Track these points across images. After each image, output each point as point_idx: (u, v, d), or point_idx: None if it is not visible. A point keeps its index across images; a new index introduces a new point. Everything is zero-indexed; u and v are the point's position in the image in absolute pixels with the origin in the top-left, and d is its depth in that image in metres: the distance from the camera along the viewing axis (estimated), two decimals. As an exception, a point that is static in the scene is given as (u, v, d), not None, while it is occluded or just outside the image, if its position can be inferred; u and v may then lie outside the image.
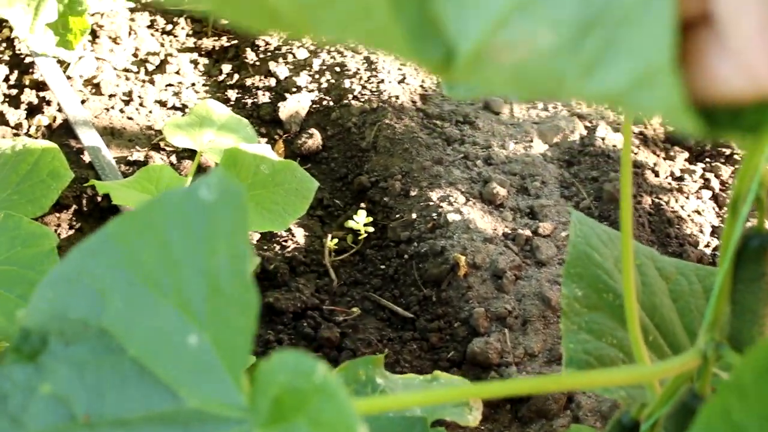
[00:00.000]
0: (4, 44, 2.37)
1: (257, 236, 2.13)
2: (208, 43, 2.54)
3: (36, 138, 2.22)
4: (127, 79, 2.41)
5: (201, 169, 2.17)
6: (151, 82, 2.42)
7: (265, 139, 2.32)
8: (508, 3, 0.41)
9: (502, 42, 0.42)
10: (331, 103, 2.39)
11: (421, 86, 2.42)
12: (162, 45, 2.52)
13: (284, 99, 2.38)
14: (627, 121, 0.77)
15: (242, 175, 1.89)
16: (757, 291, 0.73)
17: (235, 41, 2.55)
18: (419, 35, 0.44)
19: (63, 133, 2.26)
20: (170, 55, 2.49)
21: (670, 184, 2.31)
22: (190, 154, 2.15)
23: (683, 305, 0.98)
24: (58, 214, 2.10)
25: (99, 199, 2.11)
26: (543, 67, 0.42)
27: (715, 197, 2.31)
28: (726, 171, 2.36)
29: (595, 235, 0.99)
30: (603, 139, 2.34)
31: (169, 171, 1.91)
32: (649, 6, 0.37)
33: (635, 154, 2.35)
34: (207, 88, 2.45)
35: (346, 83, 2.39)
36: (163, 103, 2.39)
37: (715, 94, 0.37)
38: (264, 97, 2.40)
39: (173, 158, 2.24)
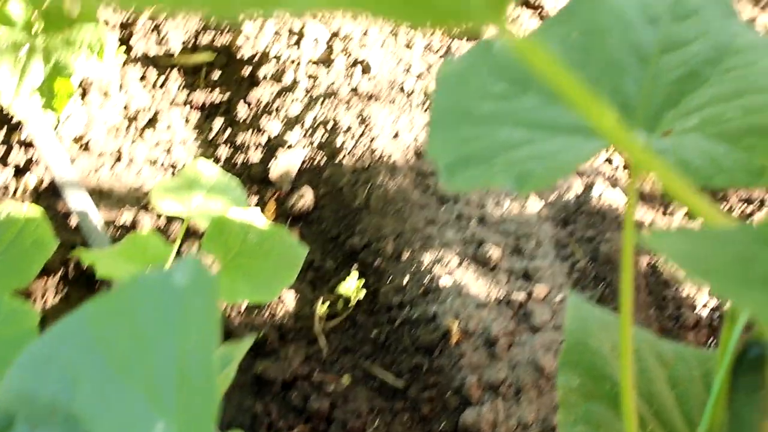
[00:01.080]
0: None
1: (246, 302, 2.10)
2: (199, 96, 2.51)
3: (23, 201, 2.19)
4: (117, 136, 2.39)
5: (190, 233, 2.14)
6: (141, 138, 2.40)
7: (256, 198, 2.30)
8: None
9: None
10: (324, 161, 2.36)
11: (415, 141, 2.39)
12: (153, 98, 2.49)
13: (276, 156, 2.36)
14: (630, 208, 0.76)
15: (230, 244, 1.87)
16: (756, 402, 0.72)
17: (228, 94, 2.52)
18: None
19: (50, 194, 2.23)
20: (161, 110, 2.46)
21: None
22: (179, 215, 2.13)
23: (682, 391, 0.99)
24: (44, 280, 2.07)
25: (86, 264, 2.08)
26: None
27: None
28: (724, 227, 2.33)
29: (591, 320, 1.00)
30: (599, 196, 2.30)
31: (155, 239, 1.88)
32: None
33: (632, 211, 2.32)
34: (198, 144, 2.42)
35: (339, 139, 2.36)
36: (153, 161, 2.36)
37: None
38: (255, 155, 2.38)
39: (162, 220, 2.21)
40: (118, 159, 2.34)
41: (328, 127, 2.41)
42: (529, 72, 0.99)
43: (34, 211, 1.84)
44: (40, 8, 1.92)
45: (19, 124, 2.27)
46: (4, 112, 2.31)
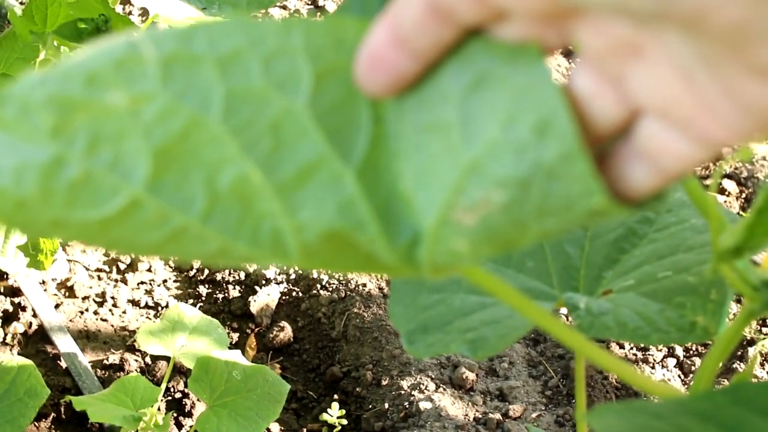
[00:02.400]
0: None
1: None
2: (178, 234, 2.59)
3: (13, 346, 2.26)
4: (100, 279, 2.46)
5: (176, 371, 2.20)
6: (124, 281, 2.47)
7: (237, 334, 2.36)
8: (460, 171, 0.48)
9: (463, 206, 0.48)
10: (301, 294, 2.44)
11: (388, 268, 2.46)
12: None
13: (255, 292, 2.43)
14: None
15: (215, 383, 1.93)
16: None
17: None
18: (388, 221, 0.51)
19: (39, 339, 2.29)
20: (142, 251, 2.53)
21: (635, 355, 2.36)
22: (165, 356, 2.19)
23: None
24: (36, 424, 2.12)
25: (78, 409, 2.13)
26: (503, 220, 0.49)
27: (680, 365, 2.35)
28: (689, 336, 2.40)
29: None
30: (566, 317, 2.38)
31: (143, 382, 1.95)
32: (571, 162, 0.45)
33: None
34: (178, 284, 2.50)
35: (314, 272, 2.44)
36: (135, 303, 2.43)
37: (632, 192, 0.48)
38: (234, 291, 2.45)
39: (148, 359, 2.28)
40: (102, 302, 2.42)
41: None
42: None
43: (26, 360, 1.90)
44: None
45: (4, 273, 2.34)
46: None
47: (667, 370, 2.33)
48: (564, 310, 2.26)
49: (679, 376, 2.33)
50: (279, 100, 0.49)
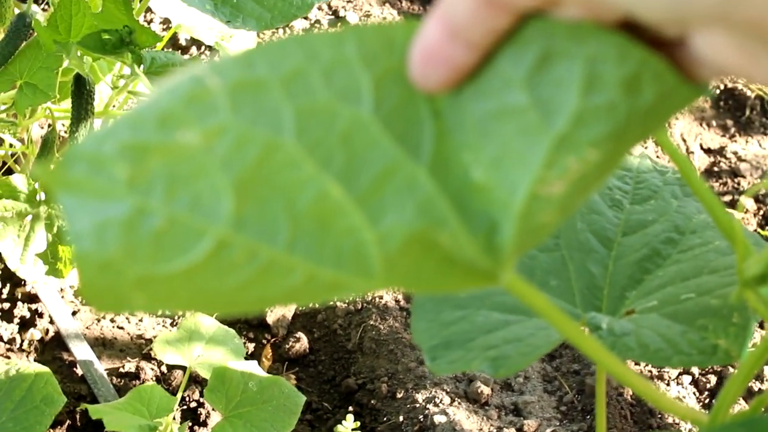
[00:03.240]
0: (-3, 259, 2.42)
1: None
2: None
3: (29, 353, 2.26)
4: (117, 286, 2.46)
5: (192, 381, 2.20)
6: (141, 289, 2.47)
7: (253, 344, 2.36)
8: (548, 146, 0.49)
9: (555, 176, 0.49)
10: (317, 305, 2.43)
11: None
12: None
13: (271, 302, 2.43)
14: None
15: (231, 393, 1.94)
16: None
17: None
18: (465, 213, 0.52)
19: (55, 346, 2.30)
20: (159, 259, 2.53)
21: (650, 371, 2.35)
22: (181, 365, 2.19)
23: None
24: (52, 431, 2.13)
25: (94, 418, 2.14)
26: (596, 169, 0.50)
27: (695, 382, 2.35)
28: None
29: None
30: (583, 328, 2.38)
31: (159, 391, 1.95)
32: (671, 96, 0.48)
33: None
34: (195, 293, 2.49)
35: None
36: (152, 312, 2.43)
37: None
38: (251, 301, 2.45)
39: (164, 368, 2.28)
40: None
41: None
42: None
43: (43, 367, 1.91)
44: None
45: (22, 280, 2.34)
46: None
47: (682, 387, 2.32)
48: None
49: (694, 393, 2.32)
50: (345, 111, 0.50)
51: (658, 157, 2.69)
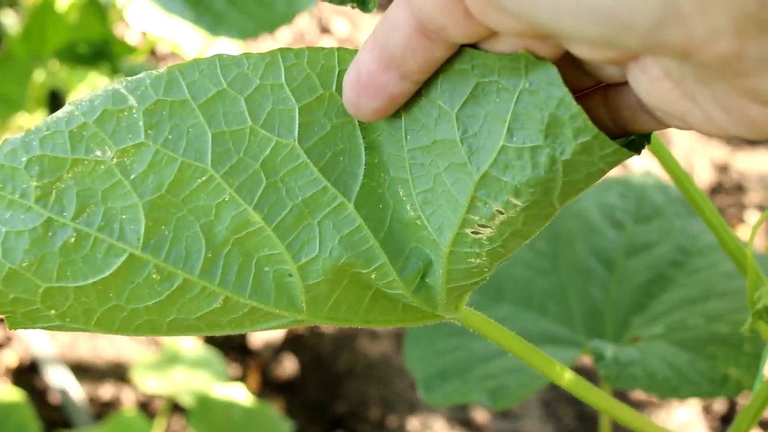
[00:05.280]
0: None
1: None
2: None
3: (2, 378, 2.19)
4: (98, 308, 2.40)
5: (174, 406, 2.14)
6: (122, 311, 2.40)
7: (240, 368, 2.30)
8: (472, 187, 0.47)
9: (479, 221, 0.49)
10: (305, 329, 2.37)
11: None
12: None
13: (257, 325, 2.37)
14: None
15: (215, 420, 1.87)
16: None
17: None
18: (395, 250, 0.52)
19: (30, 372, 2.23)
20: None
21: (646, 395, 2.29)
22: (162, 390, 2.13)
23: None
24: (26, 460, 2.06)
25: (68, 444, 2.07)
26: (523, 220, 0.49)
27: (704, 407, 2.28)
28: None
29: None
30: (581, 352, 2.32)
31: (138, 418, 1.88)
32: (591, 151, 0.45)
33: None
34: (179, 315, 2.43)
35: (320, 306, 2.38)
36: (134, 334, 2.36)
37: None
38: (236, 324, 2.39)
39: (144, 393, 2.20)
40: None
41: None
42: (502, 281, 1.02)
43: (17, 394, 1.85)
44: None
45: None
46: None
47: (689, 411, 2.25)
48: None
49: (701, 418, 2.25)
50: (269, 138, 0.49)
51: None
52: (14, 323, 0.52)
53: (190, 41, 1.84)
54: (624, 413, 0.66)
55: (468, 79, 0.46)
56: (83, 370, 2.25)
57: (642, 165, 2.64)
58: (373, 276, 0.53)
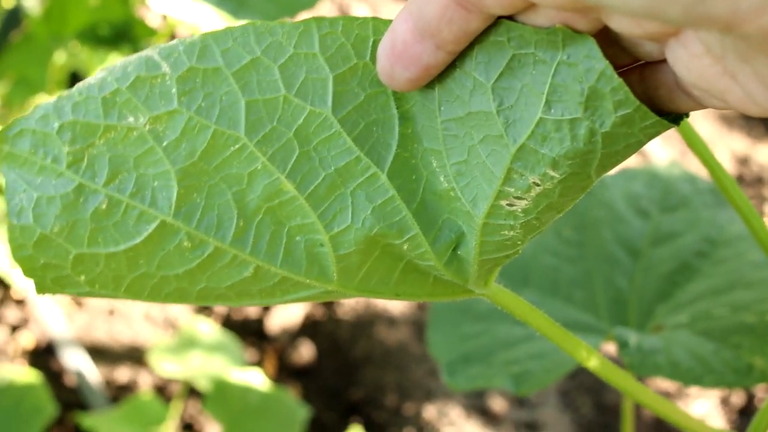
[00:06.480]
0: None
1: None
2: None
3: (19, 360, 2.20)
4: (114, 291, 2.39)
5: (190, 390, 2.14)
6: (139, 294, 2.40)
7: (257, 353, 2.29)
8: (508, 159, 0.47)
9: (515, 193, 0.48)
10: (323, 315, 2.37)
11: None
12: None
13: (275, 310, 2.37)
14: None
15: (231, 405, 1.87)
16: None
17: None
18: (428, 222, 0.52)
19: (47, 353, 2.23)
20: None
21: (669, 386, 2.29)
22: (179, 374, 2.13)
23: None
24: (42, 442, 2.06)
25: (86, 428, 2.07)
26: (558, 194, 0.49)
27: (720, 399, 2.27)
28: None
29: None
30: (599, 342, 2.31)
31: (155, 401, 1.89)
32: (632, 123, 0.45)
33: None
34: (196, 299, 2.43)
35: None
36: (148, 317, 2.36)
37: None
38: (254, 309, 2.39)
39: (161, 376, 2.21)
40: (114, 315, 2.35)
41: (326, 278, 2.43)
42: (528, 267, 1.01)
43: (33, 376, 1.85)
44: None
45: (12, 283, 2.28)
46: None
47: (707, 403, 2.25)
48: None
49: (718, 410, 2.25)
50: (303, 107, 0.49)
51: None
52: (43, 288, 0.52)
53: (211, 25, 1.83)
54: (649, 397, 0.65)
55: (504, 51, 0.46)
56: (100, 353, 2.26)
57: (665, 155, 2.63)
58: (405, 247, 0.53)
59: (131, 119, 0.47)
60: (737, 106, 0.44)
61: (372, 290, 0.56)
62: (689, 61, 0.43)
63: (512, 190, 0.48)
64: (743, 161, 2.85)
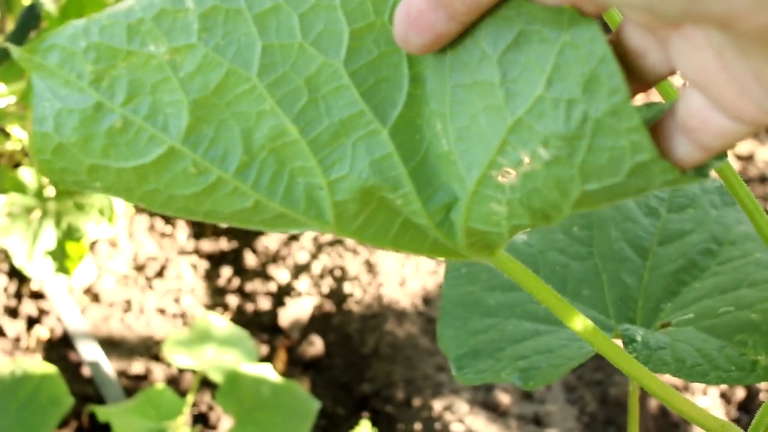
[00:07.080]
0: (3, 254, 2.37)
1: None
2: (207, 245, 2.55)
3: (35, 352, 2.22)
4: (126, 285, 2.42)
5: (203, 383, 2.16)
6: (151, 287, 2.42)
7: (267, 347, 2.31)
8: (504, 130, 0.49)
9: (506, 164, 0.50)
10: (333, 309, 2.39)
11: (422, 287, 2.42)
12: (161, 248, 2.53)
13: (285, 304, 2.38)
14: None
15: (243, 397, 1.89)
16: None
17: (235, 242, 2.55)
18: (424, 181, 0.54)
19: (62, 345, 2.25)
20: (169, 259, 2.49)
21: (672, 381, 2.30)
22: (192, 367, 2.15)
23: None
24: (58, 432, 2.09)
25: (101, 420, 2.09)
26: (545, 179, 0.50)
27: (723, 394, 2.28)
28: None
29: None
30: (605, 337, 2.32)
31: (169, 394, 1.91)
32: (620, 116, 0.45)
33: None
34: (207, 292, 2.45)
35: (347, 287, 2.40)
36: (162, 311, 2.38)
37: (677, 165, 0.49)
38: (265, 303, 2.40)
39: (174, 369, 2.23)
40: (129, 308, 2.37)
41: (336, 274, 2.45)
42: (536, 264, 1.03)
43: (50, 367, 1.87)
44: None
45: (29, 276, 2.30)
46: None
47: (708, 398, 2.26)
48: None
49: (719, 404, 2.26)
50: (316, 56, 0.51)
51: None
52: (65, 186, 0.57)
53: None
54: (657, 385, 0.68)
55: (512, 26, 0.48)
56: (114, 345, 2.28)
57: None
58: (398, 202, 0.55)
59: (152, 47, 0.50)
60: (733, 106, 0.45)
61: (370, 239, 0.58)
62: (692, 53, 0.44)
63: (504, 161, 0.50)
64: (747, 160, 2.86)
